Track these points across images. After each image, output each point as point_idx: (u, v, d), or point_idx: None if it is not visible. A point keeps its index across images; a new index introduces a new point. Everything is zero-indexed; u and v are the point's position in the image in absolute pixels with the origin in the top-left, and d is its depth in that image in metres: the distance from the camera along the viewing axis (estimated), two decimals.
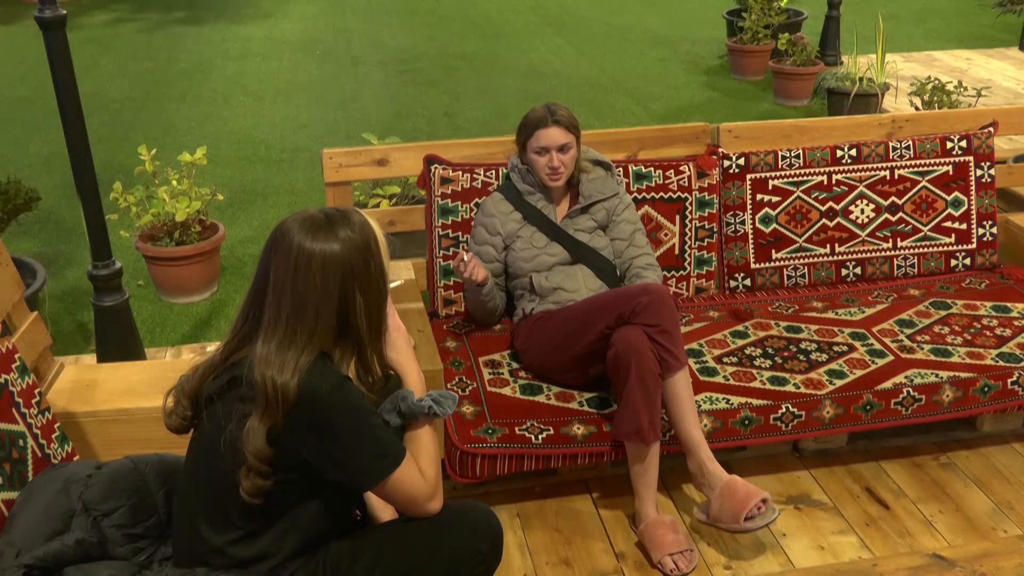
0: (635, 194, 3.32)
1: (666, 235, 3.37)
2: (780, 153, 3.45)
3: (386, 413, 1.98)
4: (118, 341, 3.36)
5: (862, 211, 3.50)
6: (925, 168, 3.53)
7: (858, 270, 3.53)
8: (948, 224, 3.55)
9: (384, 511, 2.22)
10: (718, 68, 8.18)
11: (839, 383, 2.91)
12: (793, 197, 3.46)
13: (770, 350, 3.07)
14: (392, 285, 2.78)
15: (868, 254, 3.52)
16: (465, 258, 2.86)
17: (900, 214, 3.52)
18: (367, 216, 1.96)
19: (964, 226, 3.56)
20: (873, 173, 3.50)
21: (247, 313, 1.92)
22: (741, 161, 3.42)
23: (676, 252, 3.39)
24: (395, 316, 2.06)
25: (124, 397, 2.64)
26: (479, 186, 3.24)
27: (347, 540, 2.00)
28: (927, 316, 3.27)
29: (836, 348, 3.08)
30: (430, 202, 3.24)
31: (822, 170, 3.48)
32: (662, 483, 2.82)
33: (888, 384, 2.91)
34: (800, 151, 3.47)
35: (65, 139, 3.11)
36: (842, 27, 7.79)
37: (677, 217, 3.37)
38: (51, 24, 2.97)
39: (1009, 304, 3.34)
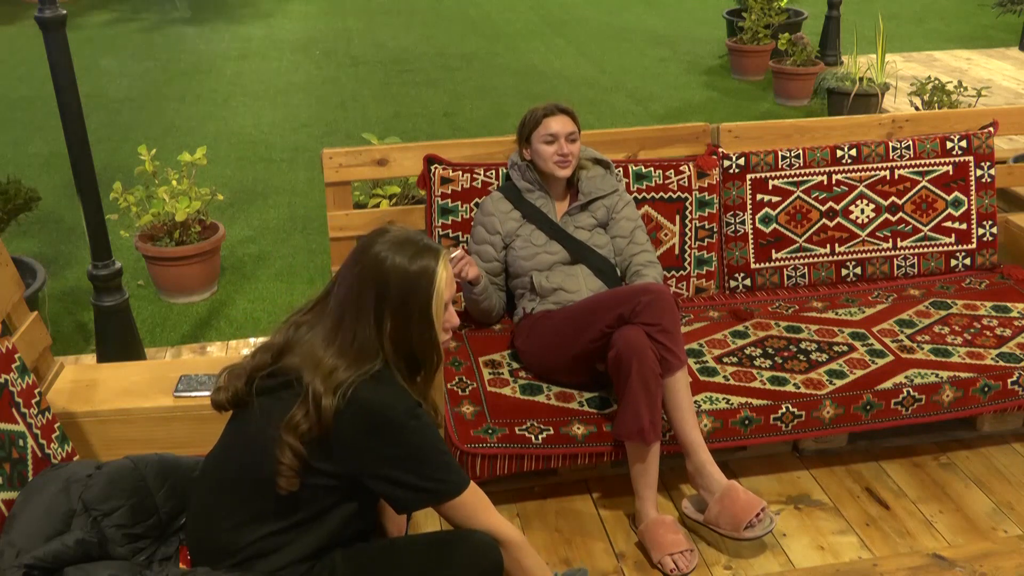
0: (635, 194, 3.32)
1: (666, 235, 3.37)
2: (780, 153, 3.45)
3: None
4: (118, 341, 3.36)
5: (862, 211, 3.50)
6: (925, 168, 3.53)
7: (858, 270, 3.52)
8: (948, 224, 3.55)
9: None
10: (718, 68, 8.18)
11: (839, 383, 2.90)
12: (793, 197, 3.46)
13: (770, 350, 3.07)
14: None
15: (868, 254, 3.52)
16: (454, 255, 2.86)
17: (900, 214, 3.52)
18: (443, 263, 1.97)
19: (964, 226, 3.56)
20: (873, 173, 3.50)
21: (321, 298, 2.03)
22: (741, 161, 3.42)
23: (676, 252, 3.39)
24: None
25: (124, 397, 2.64)
26: (479, 186, 3.24)
27: (352, 552, 2.02)
28: (927, 316, 3.27)
29: (836, 348, 3.08)
30: (430, 202, 3.24)
31: (822, 170, 3.48)
32: (662, 483, 2.82)
33: (888, 384, 2.91)
34: (800, 151, 3.47)
35: (65, 139, 3.11)
36: (842, 27, 7.79)
37: (677, 217, 3.37)
38: (51, 24, 2.97)
39: (1009, 304, 3.34)
